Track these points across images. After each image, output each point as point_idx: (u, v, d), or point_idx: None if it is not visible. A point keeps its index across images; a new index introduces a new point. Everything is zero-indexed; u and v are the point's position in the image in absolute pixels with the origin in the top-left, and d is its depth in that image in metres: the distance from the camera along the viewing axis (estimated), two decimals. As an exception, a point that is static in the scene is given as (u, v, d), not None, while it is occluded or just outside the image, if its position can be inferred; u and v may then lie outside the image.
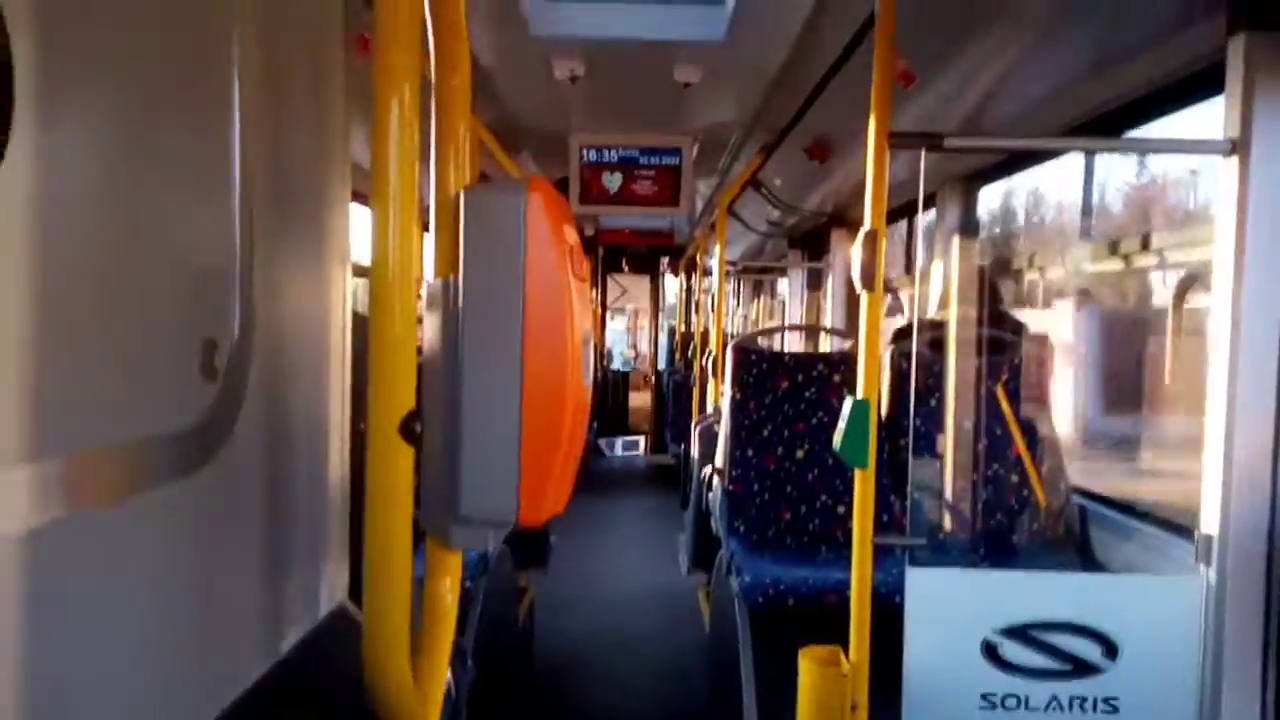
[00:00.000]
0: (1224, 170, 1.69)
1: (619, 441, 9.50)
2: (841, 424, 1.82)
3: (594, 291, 9.66)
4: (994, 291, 3.13)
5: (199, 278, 0.74)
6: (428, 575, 0.89)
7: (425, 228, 0.84)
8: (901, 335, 3.06)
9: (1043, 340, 3.09)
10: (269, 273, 0.85)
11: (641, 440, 9.61)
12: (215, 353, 0.75)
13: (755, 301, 10.40)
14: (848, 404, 1.82)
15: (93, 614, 0.61)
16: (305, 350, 0.97)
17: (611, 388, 9.98)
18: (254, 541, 0.85)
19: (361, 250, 0.89)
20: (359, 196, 0.98)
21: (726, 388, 3.19)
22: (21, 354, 0.54)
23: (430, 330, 0.84)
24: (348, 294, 1.08)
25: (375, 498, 0.76)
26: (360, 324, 0.89)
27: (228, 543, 0.80)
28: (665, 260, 10.25)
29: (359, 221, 1.01)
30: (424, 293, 0.87)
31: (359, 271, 0.98)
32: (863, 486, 1.82)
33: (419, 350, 0.83)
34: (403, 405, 0.76)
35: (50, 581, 0.57)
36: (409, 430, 0.76)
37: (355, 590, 1.07)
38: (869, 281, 1.80)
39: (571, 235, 0.85)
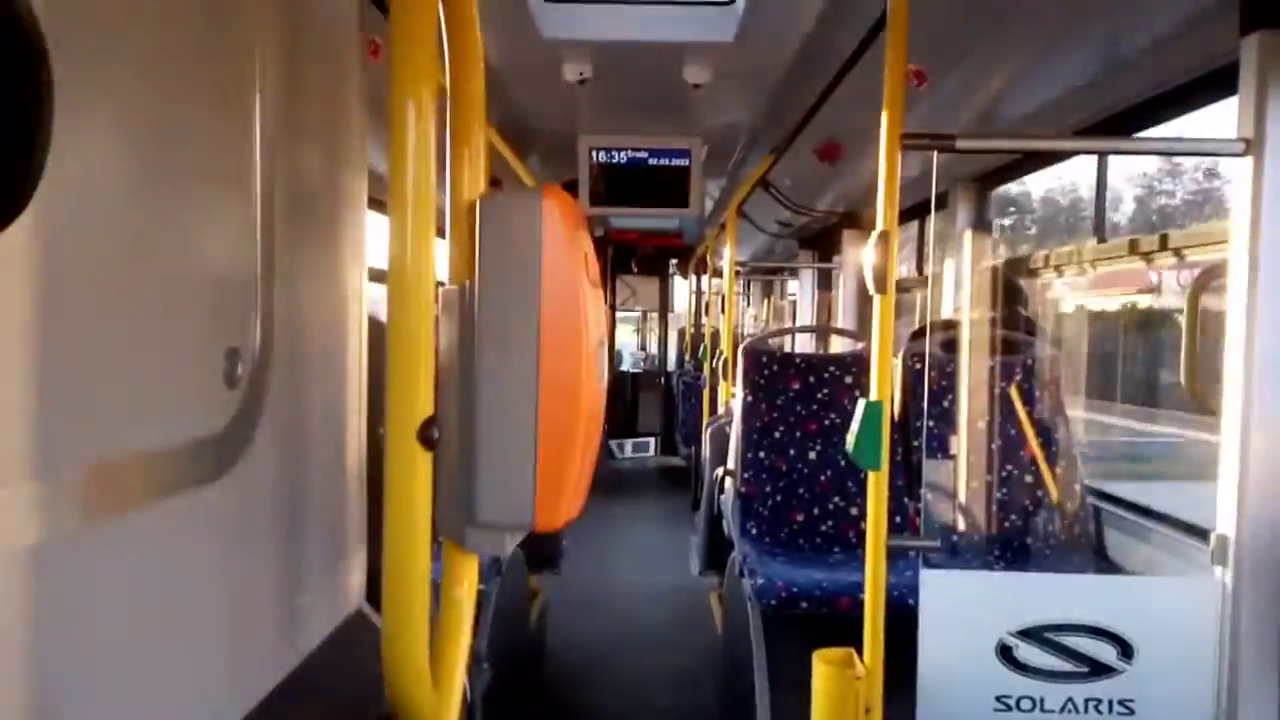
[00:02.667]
0: (1238, 170, 1.69)
1: (629, 443, 9.49)
2: (854, 426, 1.82)
3: (604, 292, 9.65)
4: (1009, 292, 3.12)
5: (221, 287, 0.75)
6: (444, 579, 0.90)
7: (441, 233, 0.85)
8: (918, 336, 3.06)
9: (1059, 340, 3.07)
10: (288, 281, 0.85)
11: (652, 442, 9.60)
12: (238, 361, 0.76)
13: (765, 302, 10.39)
14: (860, 406, 1.82)
15: (116, 620, 0.62)
16: (324, 357, 0.98)
17: (621, 389, 9.99)
18: (274, 547, 0.85)
19: (377, 256, 0.90)
20: (375, 203, 0.98)
21: (738, 389, 3.19)
22: (46, 363, 0.54)
23: (446, 336, 0.84)
24: (364, 301, 1.08)
25: (394, 504, 0.77)
26: (376, 330, 0.90)
27: (249, 548, 0.81)
28: (675, 262, 10.25)
29: (376, 228, 1.01)
30: (439, 298, 0.87)
31: (375, 276, 0.98)
32: (875, 488, 1.81)
33: (435, 356, 0.83)
34: (421, 412, 0.76)
35: (73, 588, 0.57)
36: (427, 437, 0.76)
37: (372, 593, 1.07)
38: (881, 284, 1.80)
39: (585, 241, 0.85)
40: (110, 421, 0.60)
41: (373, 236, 1.09)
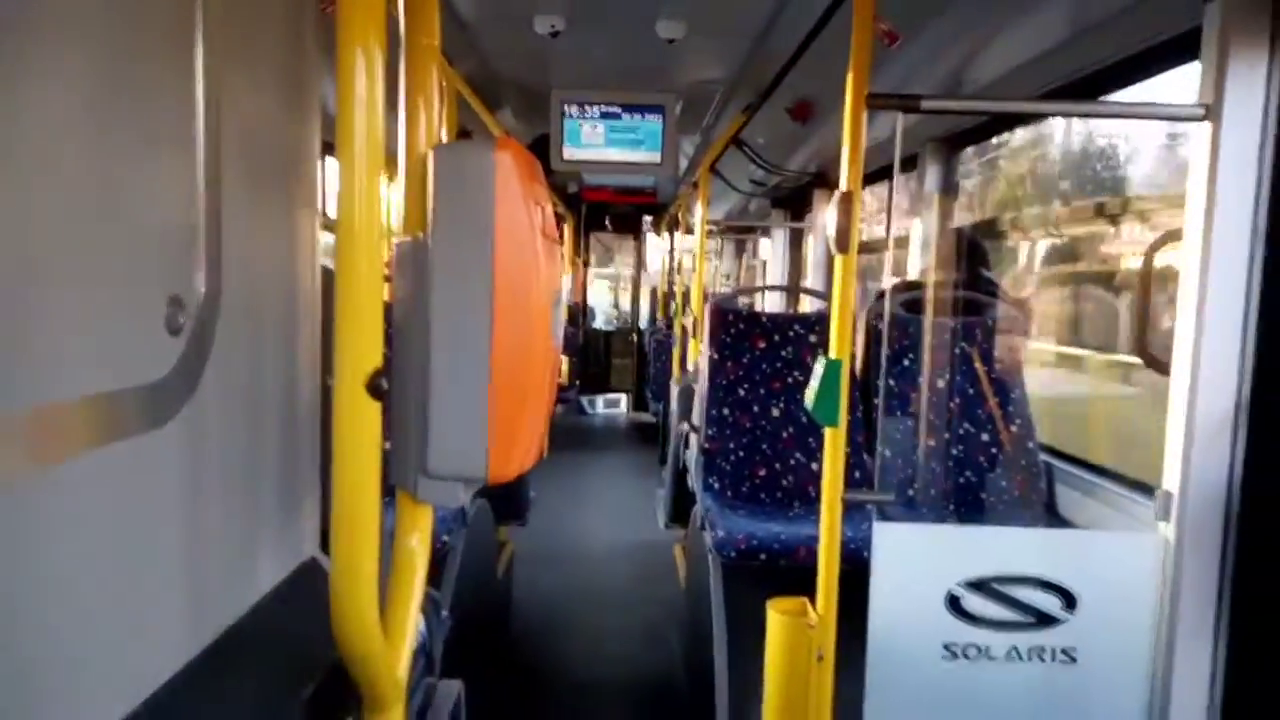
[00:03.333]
0: (1197, 135, 1.71)
1: (600, 400, 9.54)
2: (814, 383, 1.85)
3: (577, 250, 9.62)
4: (974, 253, 3.15)
5: (161, 234, 0.74)
6: (398, 529, 0.91)
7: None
8: (883, 297, 3.09)
9: (1019, 302, 3.12)
10: (237, 227, 0.85)
11: (623, 399, 9.65)
12: (181, 309, 0.75)
13: (738, 261, 10.39)
14: (820, 364, 1.84)
15: (60, 563, 0.62)
16: (274, 305, 0.97)
17: (594, 347, 9.99)
18: (222, 493, 0.86)
19: (332, 204, 0.89)
20: (331, 148, 0.97)
21: (704, 347, 3.21)
22: None
23: (400, 288, 0.84)
24: (317, 248, 1.07)
25: (342, 453, 0.76)
26: (330, 279, 0.90)
27: (196, 494, 0.81)
28: (649, 220, 10.21)
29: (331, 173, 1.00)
30: (394, 250, 0.87)
31: (328, 225, 0.98)
32: (833, 444, 1.85)
33: (389, 308, 0.83)
34: (369, 362, 0.76)
35: (14, 532, 0.57)
36: (375, 388, 0.76)
37: (327, 542, 1.09)
38: (843, 243, 1.81)
39: (541, 194, 0.85)
40: (43, 367, 0.59)
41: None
